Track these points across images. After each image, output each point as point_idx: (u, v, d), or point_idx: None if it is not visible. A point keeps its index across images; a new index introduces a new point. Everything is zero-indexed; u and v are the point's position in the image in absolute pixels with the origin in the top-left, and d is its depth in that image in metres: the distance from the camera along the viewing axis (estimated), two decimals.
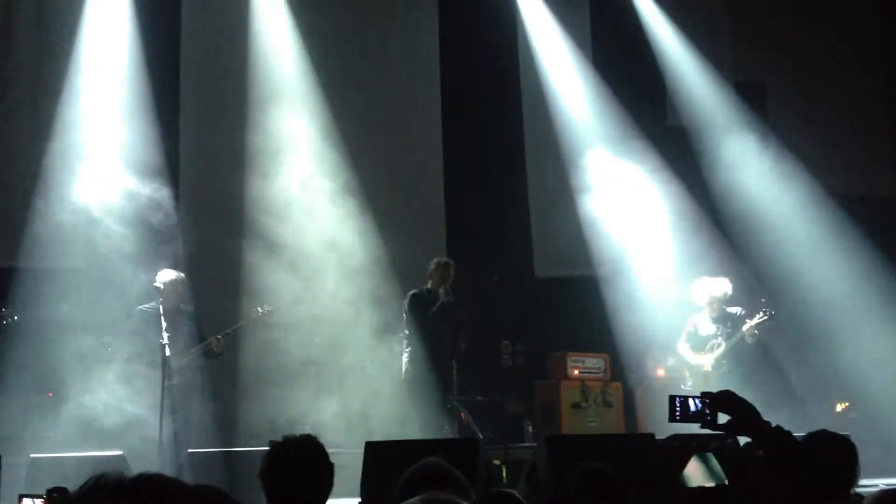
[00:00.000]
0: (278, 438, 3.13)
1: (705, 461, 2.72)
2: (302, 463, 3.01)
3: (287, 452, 3.04)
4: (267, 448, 3.15)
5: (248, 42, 9.83)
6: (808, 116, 10.86)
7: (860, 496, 3.49)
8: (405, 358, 8.23)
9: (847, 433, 3.67)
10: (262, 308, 8.03)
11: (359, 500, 5.70)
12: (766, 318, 8.22)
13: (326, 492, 3.04)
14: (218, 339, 7.66)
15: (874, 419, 8.77)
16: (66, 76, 9.15)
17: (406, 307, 8.45)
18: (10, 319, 7.58)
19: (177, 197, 9.39)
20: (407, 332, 8.36)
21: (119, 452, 6.55)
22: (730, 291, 8.50)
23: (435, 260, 8.62)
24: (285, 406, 8.59)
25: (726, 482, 2.94)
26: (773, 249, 10.01)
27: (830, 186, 10.38)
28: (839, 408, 9.52)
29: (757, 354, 8.52)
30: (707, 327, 8.47)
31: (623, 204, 10.15)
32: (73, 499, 1.43)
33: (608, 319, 9.93)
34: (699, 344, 8.47)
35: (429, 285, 8.49)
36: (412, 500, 1.76)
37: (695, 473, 2.91)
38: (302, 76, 9.83)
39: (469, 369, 8.95)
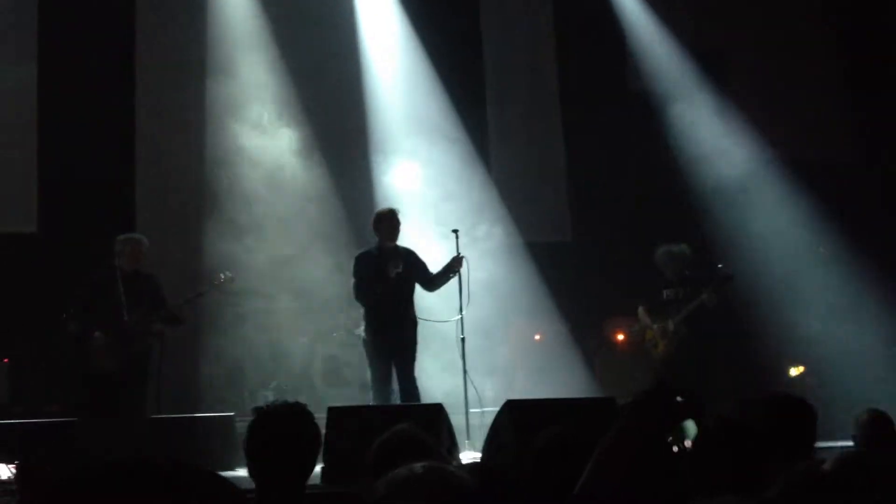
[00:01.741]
0: (262, 405, 2.94)
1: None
2: (291, 432, 2.81)
3: (276, 420, 2.85)
4: (231, 414, 3.02)
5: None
6: (767, 83, 10.92)
7: (820, 459, 3.55)
8: (363, 324, 7.75)
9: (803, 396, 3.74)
10: (224, 274, 7.91)
11: (321, 465, 5.71)
12: (725, 281, 8.31)
13: (314, 461, 2.90)
14: (180, 305, 7.55)
15: (829, 382, 8.94)
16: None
17: (353, 270, 7.77)
18: None
19: (133, 157, 9.25)
20: (360, 295, 7.71)
21: (72, 419, 6.49)
22: (689, 256, 8.58)
23: (377, 212, 7.93)
24: (248, 372, 8.56)
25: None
26: (733, 215, 10.11)
27: (788, 153, 10.49)
28: (794, 372, 9.68)
29: (716, 319, 8.61)
30: (667, 292, 8.54)
31: (585, 168, 10.17)
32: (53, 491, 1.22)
33: (569, 285, 9.99)
34: (659, 308, 8.55)
35: (378, 242, 7.74)
36: (412, 467, 1.64)
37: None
38: (260, 32, 9.67)
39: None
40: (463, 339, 7.59)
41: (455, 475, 1.65)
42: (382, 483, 1.56)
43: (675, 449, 2.85)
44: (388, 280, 7.51)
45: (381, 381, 7.60)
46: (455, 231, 7.82)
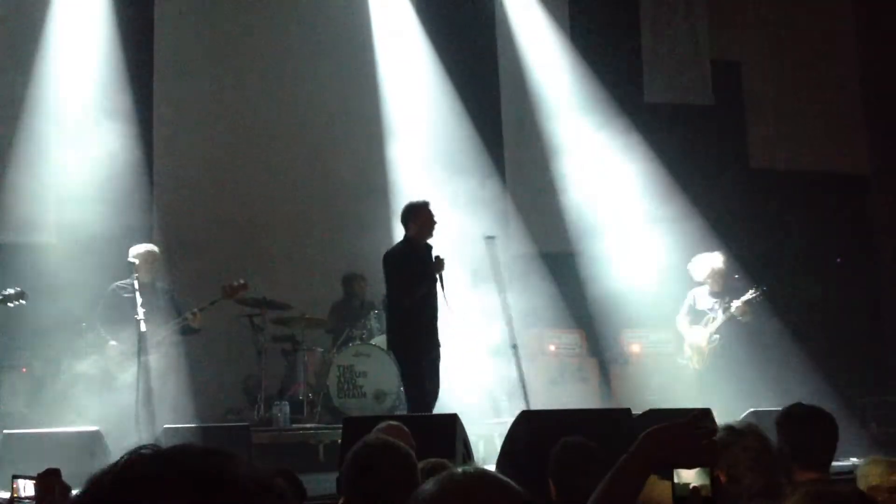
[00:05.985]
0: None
1: None
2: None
3: None
4: (246, 424, 3.05)
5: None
6: (782, 95, 10.90)
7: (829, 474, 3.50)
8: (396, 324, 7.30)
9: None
10: (237, 282, 7.94)
11: (337, 475, 5.69)
12: (757, 294, 8.20)
13: None
14: (196, 313, 7.57)
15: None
16: (38, 48, 9.00)
17: (391, 270, 7.11)
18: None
19: (150, 168, 9.29)
20: (413, 289, 7.08)
21: (95, 428, 6.51)
22: (723, 264, 8.48)
23: (409, 203, 7.22)
24: (263, 382, 8.56)
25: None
26: (751, 226, 10.07)
27: (804, 164, 10.46)
28: None
29: (749, 332, 8.50)
30: (705, 301, 8.47)
31: (600, 181, 10.17)
32: (108, 483, 1.13)
33: (584, 296, 9.96)
34: (697, 318, 8.49)
35: (410, 234, 7.02)
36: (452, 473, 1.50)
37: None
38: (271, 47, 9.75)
39: None
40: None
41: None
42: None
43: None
44: (434, 280, 6.80)
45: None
46: (491, 237, 7.46)
